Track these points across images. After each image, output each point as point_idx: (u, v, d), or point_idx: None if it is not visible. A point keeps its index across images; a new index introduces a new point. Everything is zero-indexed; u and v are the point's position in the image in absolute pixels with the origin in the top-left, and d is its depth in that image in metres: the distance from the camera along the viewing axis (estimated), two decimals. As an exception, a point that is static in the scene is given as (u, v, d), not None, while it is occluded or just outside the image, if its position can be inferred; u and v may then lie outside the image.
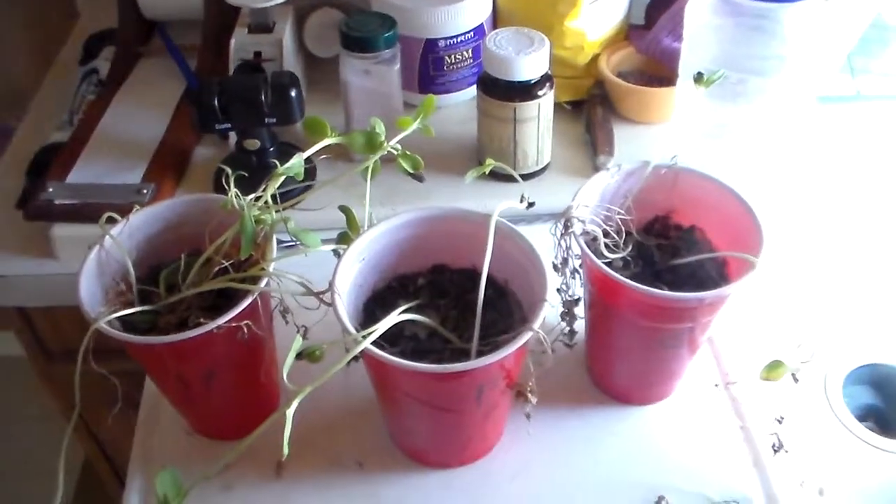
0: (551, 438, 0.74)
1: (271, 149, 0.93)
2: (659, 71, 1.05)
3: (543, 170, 0.98)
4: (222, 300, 0.66)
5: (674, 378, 0.76)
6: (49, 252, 0.94)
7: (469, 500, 0.70)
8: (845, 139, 1.04)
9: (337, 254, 0.67)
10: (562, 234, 0.66)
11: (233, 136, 0.96)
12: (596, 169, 0.96)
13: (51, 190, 0.94)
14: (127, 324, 0.66)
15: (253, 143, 0.92)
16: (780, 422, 0.69)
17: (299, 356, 0.58)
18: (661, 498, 0.70)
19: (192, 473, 0.61)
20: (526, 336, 0.59)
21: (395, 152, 0.65)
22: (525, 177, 0.95)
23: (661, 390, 0.77)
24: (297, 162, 0.63)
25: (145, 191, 0.93)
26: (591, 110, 1.03)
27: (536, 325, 0.59)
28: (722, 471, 0.72)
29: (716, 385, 0.78)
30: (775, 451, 0.68)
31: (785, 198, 0.95)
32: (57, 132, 1.08)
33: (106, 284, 0.67)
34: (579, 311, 0.72)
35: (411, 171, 0.65)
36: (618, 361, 0.75)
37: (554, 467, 0.72)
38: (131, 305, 0.65)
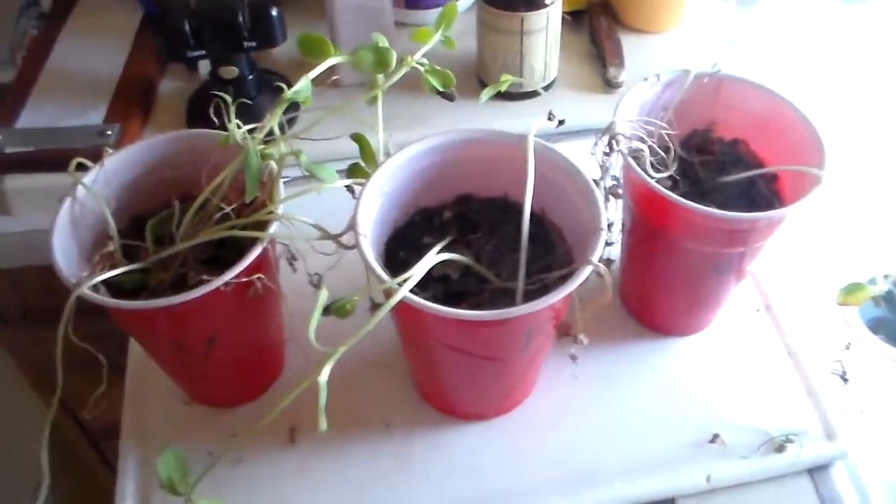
0: (591, 377, 0.68)
1: (251, 77, 0.84)
2: (665, -26, 0.97)
3: (550, 85, 0.89)
4: (221, 251, 0.58)
5: (718, 306, 0.70)
6: (2, 208, 0.84)
7: (509, 452, 0.64)
8: (877, 42, 0.97)
9: (350, 190, 0.58)
10: (606, 153, 0.59)
11: (204, 66, 0.85)
12: (607, 82, 0.88)
13: None
14: (111, 285, 0.57)
15: (230, 71, 0.82)
16: (847, 349, 0.64)
17: (326, 311, 0.50)
18: (715, 436, 0.64)
19: (194, 448, 0.54)
20: (585, 272, 0.51)
21: (423, 67, 0.56)
22: (532, 94, 0.87)
23: (704, 320, 0.71)
24: (305, 84, 0.54)
25: (109, 132, 0.83)
26: (594, 20, 0.94)
27: (595, 257, 0.52)
28: (775, 402, 0.66)
29: (757, 310, 0.72)
30: (845, 381, 0.62)
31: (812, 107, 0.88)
32: (-2, 73, 0.97)
33: (82, 241, 0.58)
34: (612, 237, 0.66)
35: (441, 90, 0.57)
36: (660, 290, 0.69)
37: (596, 409, 0.66)
38: (115, 264, 0.56)
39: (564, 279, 0.52)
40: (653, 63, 0.67)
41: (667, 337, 0.71)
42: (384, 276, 0.51)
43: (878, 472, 0.64)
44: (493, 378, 0.60)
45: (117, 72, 0.91)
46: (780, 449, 0.63)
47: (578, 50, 0.94)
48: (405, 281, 0.50)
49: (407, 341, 0.60)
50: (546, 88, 0.89)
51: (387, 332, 0.61)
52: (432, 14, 0.96)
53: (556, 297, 0.50)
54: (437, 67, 0.57)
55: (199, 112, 0.86)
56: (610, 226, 0.65)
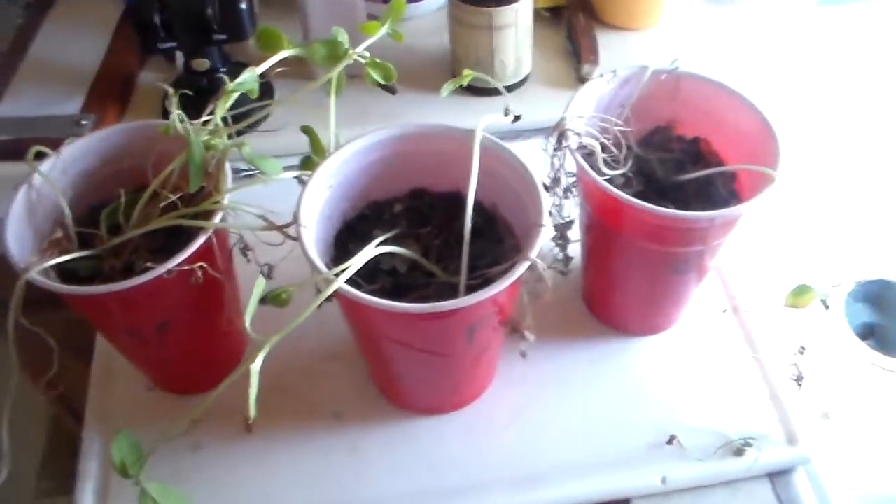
0: (548, 376, 0.68)
1: (222, 69, 0.84)
2: (645, -28, 0.96)
3: (523, 81, 0.90)
4: (173, 241, 0.58)
5: (680, 307, 0.69)
6: (-20, 195, 0.85)
7: (463, 448, 0.64)
8: (849, 44, 0.96)
9: (301, 181, 0.59)
10: (555, 150, 0.59)
11: (180, 58, 0.86)
12: (580, 79, 0.88)
13: (-22, 126, 0.85)
14: (67, 272, 0.58)
15: (202, 63, 0.83)
16: (801, 352, 0.63)
17: (263, 301, 0.50)
18: (672, 437, 0.64)
19: (155, 434, 0.54)
20: (522, 267, 0.51)
21: (364, 61, 0.56)
22: (505, 89, 0.87)
23: (665, 320, 0.70)
24: (249, 76, 0.54)
25: (85, 122, 0.84)
26: (572, 17, 0.94)
27: (533, 253, 0.52)
28: (736, 405, 0.66)
29: (724, 311, 0.72)
30: (799, 385, 0.62)
31: (783, 108, 0.87)
32: (-17, 62, 0.98)
33: (38, 228, 0.59)
34: (573, 234, 0.66)
35: (383, 83, 0.57)
36: (619, 289, 0.68)
37: (552, 407, 0.66)
38: (67, 251, 0.57)
39: (506, 274, 0.52)
40: (628, 60, 0.66)
41: (629, 336, 0.70)
42: (322, 266, 0.52)
43: (843, 479, 0.64)
44: (441, 372, 0.61)
45: (97, 62, 0.91)
46: (738, 452, 0.63)
47: (555, 46, 0.94)
48: (342, 271, 0.51)
49: (355, 334, 0.61)
50: (519, 84, 0.89)
51: (342, 323, 0.61)
52: (411, 7, 0.96)
53: (490, 292, 0.50)
54: (378, 60, 0.57)
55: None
56: (570, 223, 0.65)
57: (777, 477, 0.63)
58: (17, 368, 0.57)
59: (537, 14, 0.93)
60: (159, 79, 0.92)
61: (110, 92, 0.89)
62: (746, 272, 0.73)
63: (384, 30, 0.57)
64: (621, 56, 0.92)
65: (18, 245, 0.56)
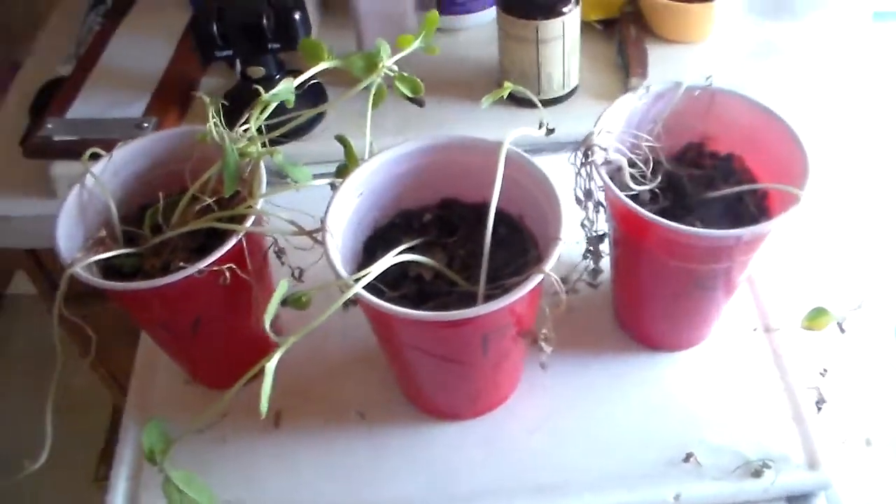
0: (572, 387, 0.68)
1: (277, 77, 0.87)
2: (698, -15, 0.96)
3: (571, 94, 0.90)
4: (212, 241, 0.61)
5: (707, 322, 0.69)
6: (50, 191, 0.90)
7: (482, 454, 0.65)
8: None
9: (334, 188, 0.61)
10: (582, 164, 0.59)
11: (238, 65, 0.90)
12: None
13: (50, 126, 0.90)
14: (113, 268, 0.61)
15: (257, 71, 0.86)
16: (823, 375, 0.62)
17: (284, 303, 0.52)
18: (689, 455, 0.63)
19: (188, 426, 0.57)
20: (536, 280, 0.52)
21: (392, 74, 0.58)
22: (550, 102, 0.88)
23: (693, 335, 0.70)
24: (285, 87, 0.57)
25: (146, 125, 0.88)
26: (623, 30, 0.94)
27: (548, 267, 0.53)
28: (758, 425, 0.65)
29: (754, 329, 0.71)
30: (819, 408, 0.61)
31: (835, 125, 0.86)
32: (62, 66, 1.03)
33: (89, 226, 0.63)
34: (604, 247, 0.66)
35: (410, 96, 0.59)
36: (646, 304, 0.69)
37: (574, 419, 0.67)
38: (111, 249, 0.60)
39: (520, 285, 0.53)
40: (678, 74, 0.66)
41: (656, 352, 0.70)
42: (341, 271, 0.54)
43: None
44: (459, 379, 0.62)
45: (163, 68, 0.96)
46: (756, 474, 0.62)
47: (606, 60, 0.94)
48: (360, 278, 0.53)
49: (378, 338, 0.62)
50: (566, 97, 0.89)
51: (368, 326, 0.63)
52: (460, 20, 0.98)
53: (502, 302, 0.51)
54: (405, 74, 0.59)
55: (230, 109, 0.90)
56: (602, 236, 0.66)
57: (796, 501, 0.62)
58: (61, 358, 0.60)
59: (589, 26, 0.94)
60: (221, 85, 0.96)
61: (172, 97, 0.93)
62: (781, 289, 0.72)
63: (417, 43, 0.59)
64: (671, 69, 0.91)
65: (67, 241, 0.59)
